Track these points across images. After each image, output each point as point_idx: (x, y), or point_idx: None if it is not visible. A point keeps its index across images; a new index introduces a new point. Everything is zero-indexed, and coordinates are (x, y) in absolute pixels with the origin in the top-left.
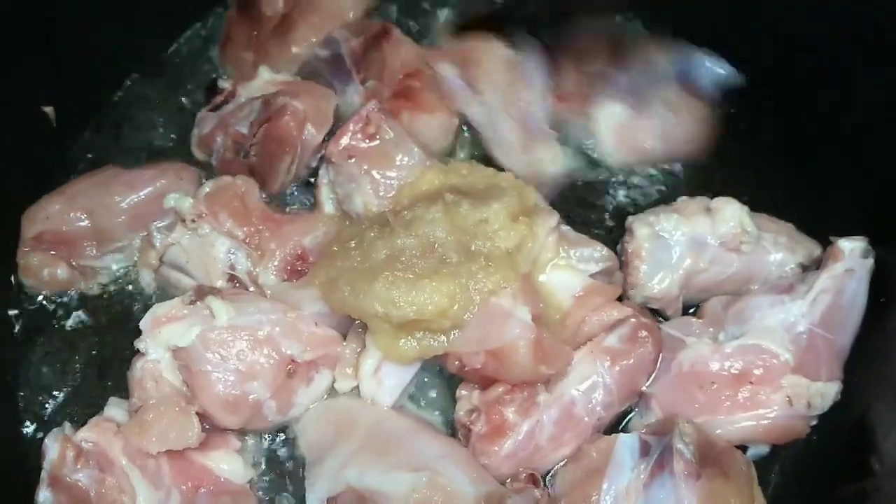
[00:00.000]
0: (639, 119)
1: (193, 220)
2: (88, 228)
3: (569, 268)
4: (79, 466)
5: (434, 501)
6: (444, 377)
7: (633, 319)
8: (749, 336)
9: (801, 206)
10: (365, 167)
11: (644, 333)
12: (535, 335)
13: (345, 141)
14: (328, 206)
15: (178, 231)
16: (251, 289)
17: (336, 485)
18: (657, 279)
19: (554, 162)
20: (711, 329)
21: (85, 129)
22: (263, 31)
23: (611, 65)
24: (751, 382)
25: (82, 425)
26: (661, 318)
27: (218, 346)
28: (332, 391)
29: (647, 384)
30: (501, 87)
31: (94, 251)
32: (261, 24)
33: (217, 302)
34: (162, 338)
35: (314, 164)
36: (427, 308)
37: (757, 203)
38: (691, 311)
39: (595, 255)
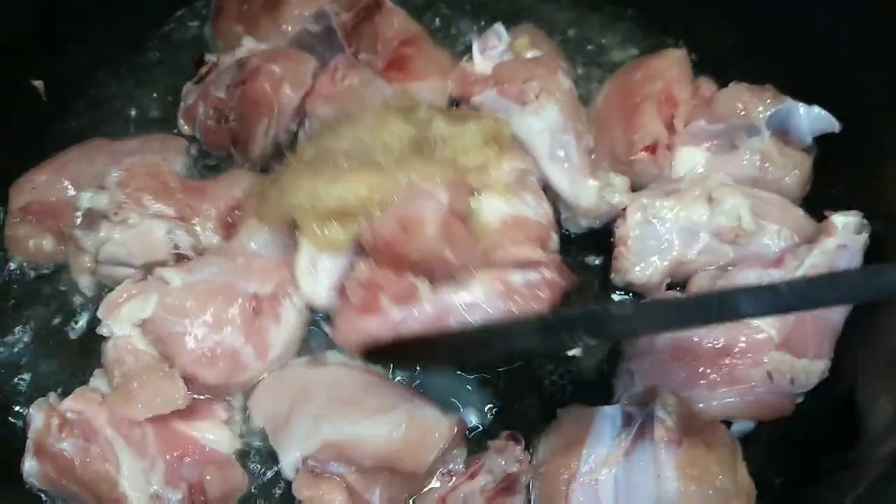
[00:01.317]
0: (724, 165)
1: (116, 213)
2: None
3: (510, 202)
4: (63, 435)
5: (415, 435)
6: None
7: (545, 271)
8: None
9: None
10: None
11: (546, 293)
12: (447, 216)
13: (319, 89)
14: None
15: (105, 228)
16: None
17: (311, 443)
18: (641, 267)
19: (621, 190)
20: None
21: (76, 104)
22: (254, 4)
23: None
24: (730, 357)
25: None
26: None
27: (179, 306)
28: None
29: (630, 358)
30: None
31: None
32: None
33: (167, 270)
34: (123, 317)
35: (294, 129)
36: (348, 197)
37: None
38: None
39: (541, 209)
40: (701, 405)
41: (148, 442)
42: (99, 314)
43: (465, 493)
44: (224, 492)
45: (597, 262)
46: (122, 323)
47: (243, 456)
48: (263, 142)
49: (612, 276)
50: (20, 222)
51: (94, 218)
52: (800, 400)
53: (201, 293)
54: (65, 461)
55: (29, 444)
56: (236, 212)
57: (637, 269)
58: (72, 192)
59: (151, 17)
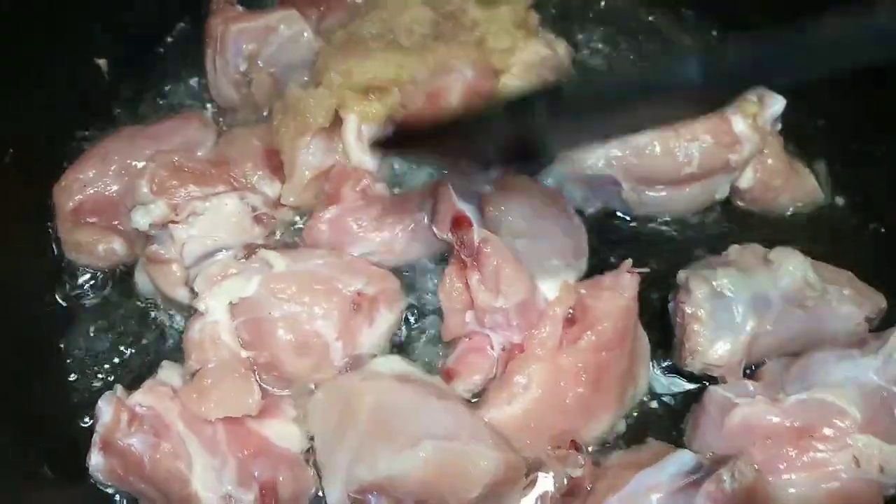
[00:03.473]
0: None
1: (177, 213)
2: (127, 191)
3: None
4: (132, 430)
5: (452, 469)
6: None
7: None
8: (813, 391)
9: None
10: None
11: None
12: (470, 91)
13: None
14: None
15: (177, 230)
16: (279, 216)
17: (351, 483)
18: (719, 345)
19: None
20: (771, 392)
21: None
22: None
23: None
24: (812, 438)
25: (134, 389)
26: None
27: (283, 290)
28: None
29: (696, 440)
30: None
31: None
32: None
33: (271, 253)
34: (224, 291)
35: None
36: (378, 73)
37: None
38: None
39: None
40: (778, 491)
41: (219, 439)
42: (196, 286)
43: None
44: (295, 492)
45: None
46: (220, 298)
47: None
48: (216, 79)
49: (687, 360)
50: (78, 226)
51: (159, 229)
52: (891, 492)
53: (306, 281)
54: (133, 457)
55: (96, 438)
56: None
57: (714, 347)
58: (122, 185)
59: None
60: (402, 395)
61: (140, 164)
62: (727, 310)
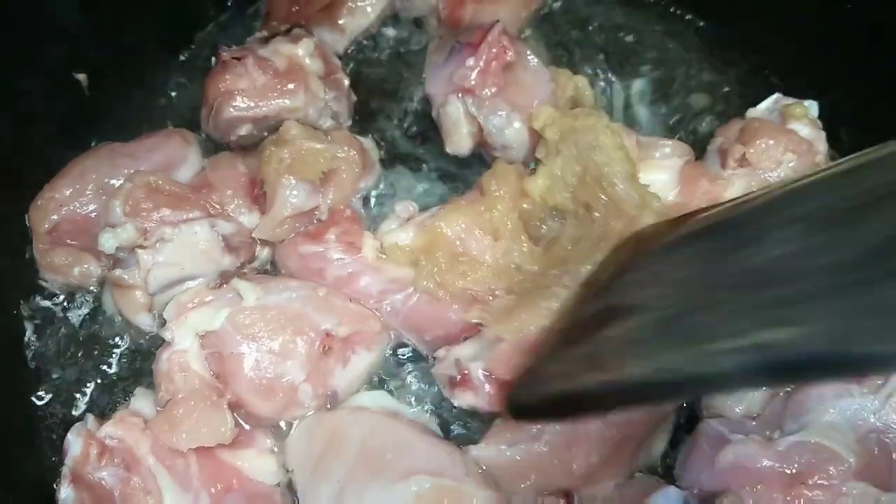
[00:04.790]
0: None
1: (146, 238)
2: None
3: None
4: (103, 464)
5: (442, 501)
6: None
7: None
8: (806, 432)
9: None
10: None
11: None
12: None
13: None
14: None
15: (143, 255)
16: (256, 247)
17: None
18: (736, 402)
19: None
20: (767, 430)
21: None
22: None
23: None
24: (805, 485)
25: (106, 418)
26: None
27: (249, 327)
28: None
29: (685, 475)
30: None
31: None
32: None
33: (243, 283)
34: (189, 323)
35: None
36: None
37: None
38: None
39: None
40: None
41: (192, 473)
42: (165, 314)
43: None
44: None
45: None
46: (186, 330)
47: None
48: (207, 128)
49: (703, 411)
50: (54, 248)
51: (126, 252)
52: None
53: (274, 317)
54: (103, 491)
55: (65, 471)
56: (255, 190)
57: (732, 399)
58: (99, 204)
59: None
60: (392, 429)
61: (118, 183)
62: None
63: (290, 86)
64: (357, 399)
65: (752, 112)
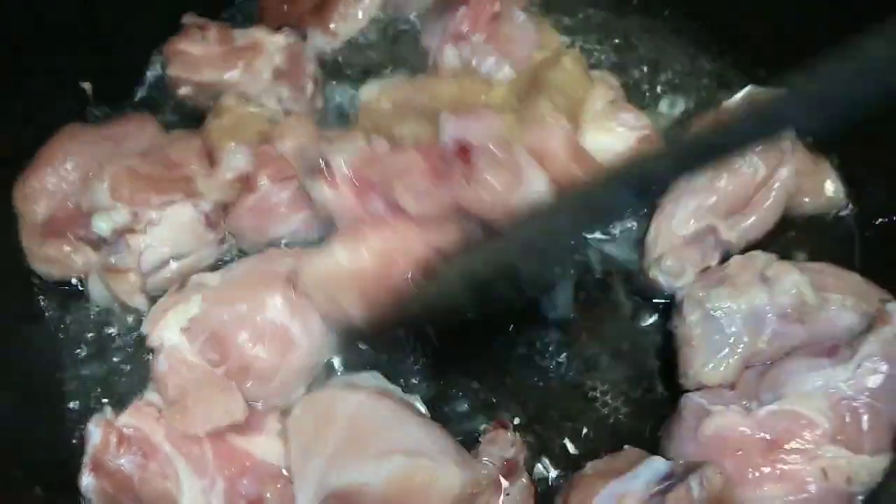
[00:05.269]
0: None
1: (136, 221)
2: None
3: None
4: (122, 452)
5: (417, 485)
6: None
7: None
8: (783, 402)
9: None
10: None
11: None
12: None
13: None
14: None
15: (134, 239)
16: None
17: (319, 493)
18: (712, 365)
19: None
20: (745, 401)
21: None
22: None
23: None
24: (782, 450)
25: (123, 408)
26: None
27: (225, 295)
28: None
29: (671, 448)
30: None
31: None
32: None
33: (203, 275)
34: (170, 322)
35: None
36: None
37: None
38: None
39: (641, 122)
40: (746, 503)
41: (207, 459)
42: (143, 330)
43: None
44: None
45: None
46: (170, 329)
47: None
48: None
49: (681, 379)
50: (50, 242)
51: (118, 236)
52: (859, 501)
53: (242, 281)
54: (123, 477)
55: (86, 459)
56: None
57: (708, 368)
58: (83, 192)
59: None
60: (379, 407)
61: (96, 168)
62: (720, 331)
63: (238, 62)
64: (353, 378)
65: (728, 104)
